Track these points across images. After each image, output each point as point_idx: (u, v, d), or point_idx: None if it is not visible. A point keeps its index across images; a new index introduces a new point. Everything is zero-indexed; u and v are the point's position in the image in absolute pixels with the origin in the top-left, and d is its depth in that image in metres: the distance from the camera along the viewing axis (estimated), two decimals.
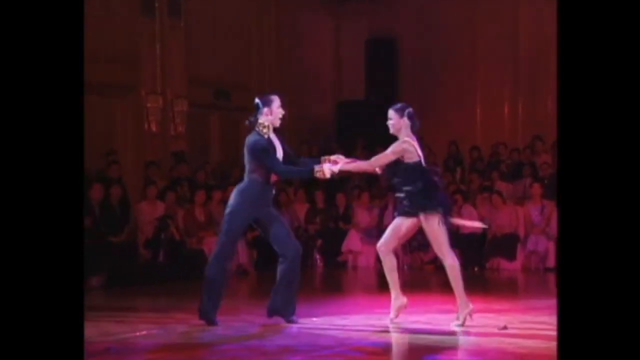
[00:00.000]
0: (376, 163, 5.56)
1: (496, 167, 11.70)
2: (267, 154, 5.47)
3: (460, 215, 10.81)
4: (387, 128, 5.67)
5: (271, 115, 5.52)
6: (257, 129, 5.55)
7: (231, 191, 10.61)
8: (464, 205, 10.87)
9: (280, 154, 5.59)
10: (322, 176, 5.50)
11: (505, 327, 5.41)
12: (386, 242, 5.72)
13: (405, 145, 5.51)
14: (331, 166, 5.50)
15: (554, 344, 4.65)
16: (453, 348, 4.98)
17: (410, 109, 5.62)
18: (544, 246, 10.33)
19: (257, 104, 5.57)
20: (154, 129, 10.97)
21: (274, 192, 5.74)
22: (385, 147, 5.64)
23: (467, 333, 5.33)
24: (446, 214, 5.51)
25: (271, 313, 5.73)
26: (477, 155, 12.14)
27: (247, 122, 5.64)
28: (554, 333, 4.98)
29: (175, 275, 9.21)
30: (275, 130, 5.64)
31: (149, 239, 9.62)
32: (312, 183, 12.07)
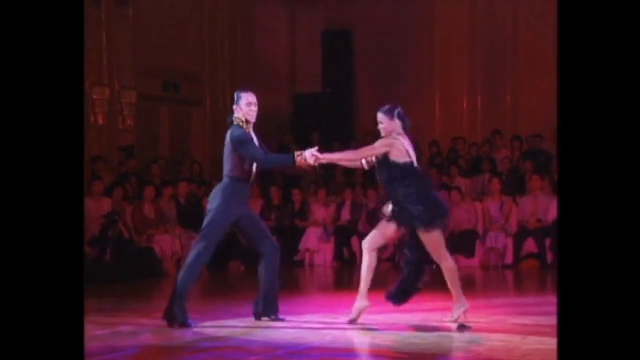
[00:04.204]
0: (361, 153, 5.44)
1: (455, 162, 11.61)
2: (248, 144, 5.47)
3: None
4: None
5: (241, 111, 5.57)
6: (235, 122, 5.59)
7: (182, 187, 10.66)
8: None
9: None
10: (303, 162, 5.44)
11: (462, 325, 5.36)
12: (372, 240, 5.52)
13: (393, 141, 5.36)
14: (314, 152, 5.41)
15: (510, 341, 4.80)
16: (410, 346, 4.88)
17: (400, 109, 5.47)
18: (503, 243, 10.29)
19: (235, 97, 5.66)
20: (100, 121, 10.61)
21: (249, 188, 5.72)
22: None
23: (424, 330, 5.31)
24: (445, 222, 5.43)
25: (257, 316, 5.67)
26: (435, 150, 12.04)
27: (228, 120, 5.69)
28: (512, 329, 5.11)
29: (123, 274, 8.90)
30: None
31: (94, 236, 9.33)
32: (267, 178, 11.83)
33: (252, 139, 5.52)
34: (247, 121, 5.54)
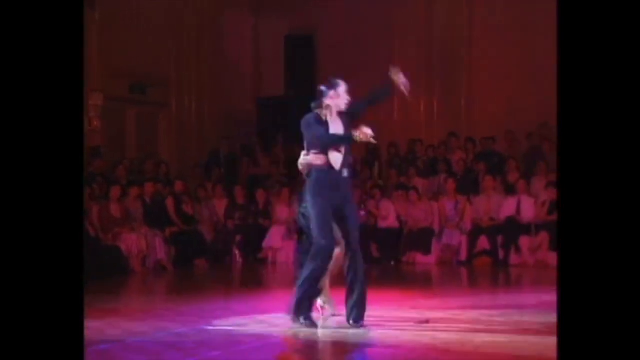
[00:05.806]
0: None
1: (413, 163, 11.94)
2: (310, 126, 5.32)
3: (378, 210, 11.03)
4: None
5: (338, 98, 5.43)
6: (316, 111, 5.41)
7: (148, 187, 10.79)
8: (381, 200, 11.07)
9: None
10: (364, 138, 5.27)
11: (421, 320, 5.54)
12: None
13: None
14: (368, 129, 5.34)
15: (466, 335, 4.92)
16: (369, 341, 5.05)
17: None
18: (458, 240, 10.63)
19: (322, 89, 5.46)
20: None
21: (346, 175, 5.36)
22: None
23: (382, 326, 5.40)
24: None
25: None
26: (394, 152, 12.36)
27: (312, 106, 5.46)
28: (466, 325, 5.29)
29: (90, 273, 8.95)
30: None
31: None
32: (232, 178, 12.04)
33: (316, 122, 5.32)
34: (333, 109, 5.33)
